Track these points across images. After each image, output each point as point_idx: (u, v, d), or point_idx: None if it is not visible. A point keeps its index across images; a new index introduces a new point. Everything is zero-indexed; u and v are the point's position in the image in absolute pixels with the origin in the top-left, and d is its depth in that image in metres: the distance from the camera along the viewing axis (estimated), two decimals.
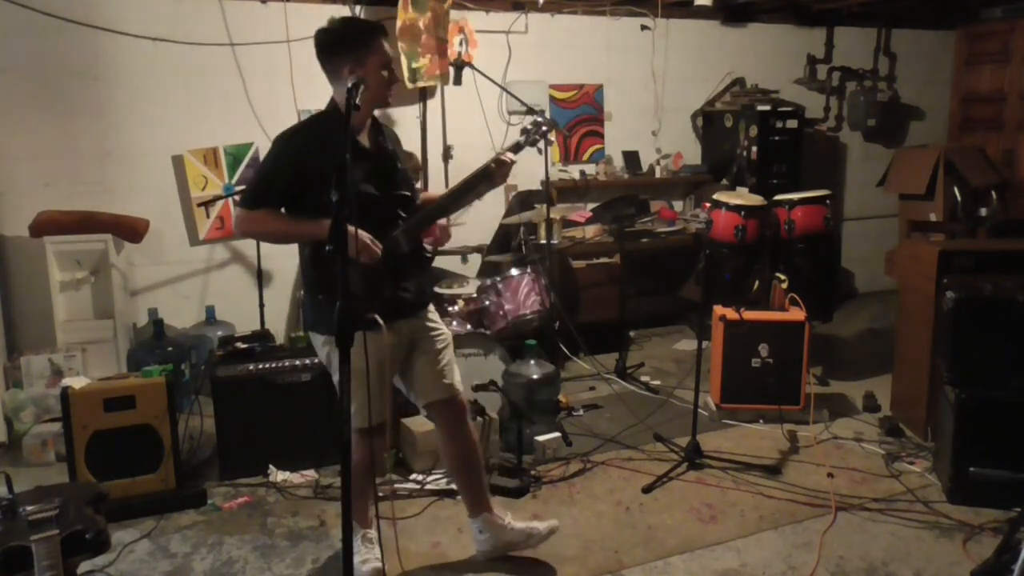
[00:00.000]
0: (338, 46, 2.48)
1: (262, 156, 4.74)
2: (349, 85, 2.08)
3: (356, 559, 2.66)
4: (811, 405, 3.94)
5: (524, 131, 2.73)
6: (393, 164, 2.64)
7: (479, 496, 2.81)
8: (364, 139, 2.57)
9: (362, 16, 4.88)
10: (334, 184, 1.92)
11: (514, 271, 4.29)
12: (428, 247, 2.66)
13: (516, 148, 2.67)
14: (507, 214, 5.28)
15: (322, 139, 2.44)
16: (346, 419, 1.95)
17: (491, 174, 2.60)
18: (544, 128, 2.73)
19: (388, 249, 2.50)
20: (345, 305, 1.88)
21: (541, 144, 2.85)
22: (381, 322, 2.45)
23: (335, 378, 2.57)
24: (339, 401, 1.91)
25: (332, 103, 2.56)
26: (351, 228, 2.37)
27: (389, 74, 2.49)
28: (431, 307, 2.76)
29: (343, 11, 4.84)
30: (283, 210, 2.49)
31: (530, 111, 4.39)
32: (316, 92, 4.86)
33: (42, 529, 2.14)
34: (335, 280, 2.37)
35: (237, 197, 4.69)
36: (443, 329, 2.76)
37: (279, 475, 3.48)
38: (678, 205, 6.12)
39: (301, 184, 2.42)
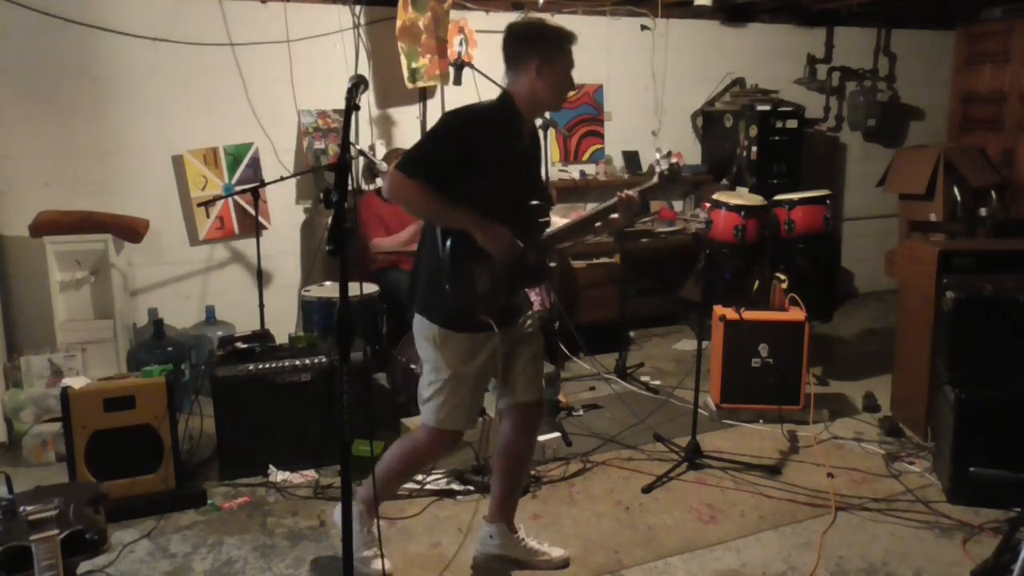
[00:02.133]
0: (534, 40, 2.47)
1: (262, 157, 4.80)
2: (349, 84, 2.04)
3: (363, 552, 2.64)
4: (811, 405, 3.94)
5: (660, 175, 2.70)
6: (539, 171, 2.63)
7: (510, 506, 2.80)
8: (527, 137, 2.55)
9: (362, 16, 4.89)
10: (334, 184, 1.91)
11: None
12: (552, 263, 2.65)
13: (646, 191, 2.65)
14: None
15: (487, 125, 2.42)
16: (346, 418, 1.95)
17: (614, 209, 2.57)
18: (679, 170, 2.71)
19: (525, 253, 2.47)
20: (345, 307, 1.87)
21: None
22: (495, 327, 2.45)
23: (423, 376, 2.58)
24: (339, 402, 1.90)
25: (505, 95, 2.49)
26: (490, 222, 2.36)
27: (568, 80, 2.50)
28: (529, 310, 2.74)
29: (343, 11, 4.84)
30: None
31: (667, 156, 4.32)
32: (316, 92, 4.93)
33: (42, 529, 2.14)
34: (469, 276, 2.39)
35: (238, 197, 4.71)
36: (538, 332, 2.72)
37: (279, 475, 3.48)
38: (678, 205, 6.12)
39: (463, 165, 2.36)
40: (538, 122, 2.82)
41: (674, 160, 2.70)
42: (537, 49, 2.44)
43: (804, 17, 6.28)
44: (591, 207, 2.67)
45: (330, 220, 1.88)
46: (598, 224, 2.63)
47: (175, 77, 4.56)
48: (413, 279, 2.59)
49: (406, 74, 4.82)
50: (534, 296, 4.25)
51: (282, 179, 4.57)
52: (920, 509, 3.18)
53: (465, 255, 2.40)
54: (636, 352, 5.28)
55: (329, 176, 4.69)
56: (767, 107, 5.70)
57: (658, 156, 2.72)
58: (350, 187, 4.18)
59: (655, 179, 2.65)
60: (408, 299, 2.61)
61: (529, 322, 2.69)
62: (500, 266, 2.43)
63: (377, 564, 2.65)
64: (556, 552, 2.82)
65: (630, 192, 2.56)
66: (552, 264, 2.67)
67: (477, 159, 2.36)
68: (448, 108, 5.20)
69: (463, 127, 2.41)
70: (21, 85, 4.25)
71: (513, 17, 5.36)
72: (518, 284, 2.57)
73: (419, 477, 3.39)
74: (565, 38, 2.49)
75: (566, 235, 2.63)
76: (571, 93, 2.65)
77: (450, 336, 2.49)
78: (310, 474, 3.50)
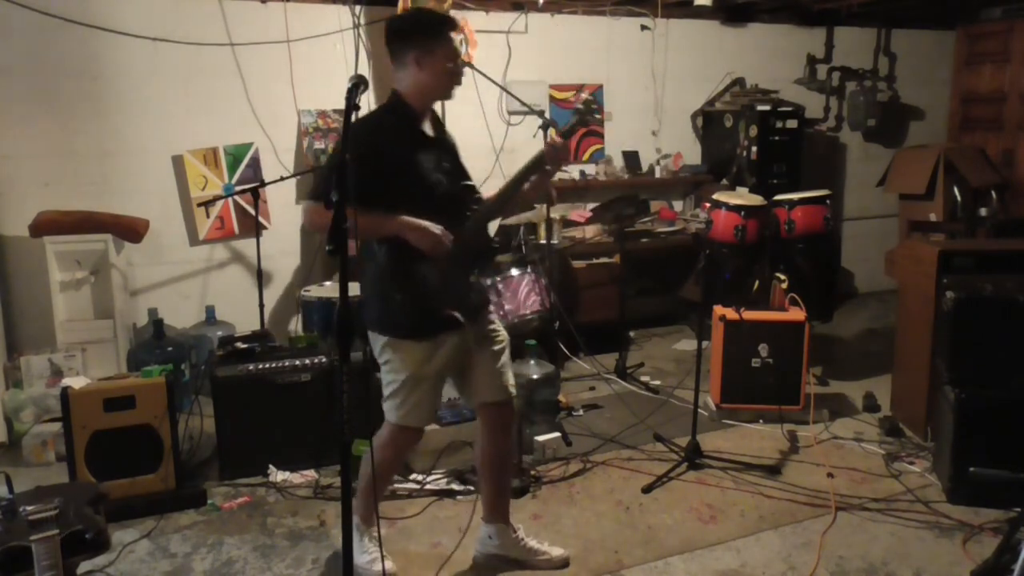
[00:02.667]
0: (408, 34, 2.44)
1: (262, 157, 4.80)
2: (349, 85, 2.05)
3: (366, 558, 2.66)
4: (811, 405, 3.94)
5: (577, 111, 2.66)
6: (456, 155, 2.60)
7: (502, 504, 2.81)
8: (428, 130, 2.53)
9: (362, 16, 4.89)
10: (334, 184, 1.90)
11: (514, 271, 4.28)
12: (496, 239, 2.61)
13: (568, 132, 2.62)
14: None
15: (392, 132, 2.42)
16: (346, 418, 1.95)
17: (542, 160, 2.53)
18: (593, 109, 2.65)
19: (461, 241, 2.44)
20: (345, 307, 1.86)
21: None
22: (462, 319, 2.45)
23: (383, 377, 2.57)
24: (339, 402, 1.90)
25: (395, 94, 2.49)
26: (415, 220, 2.34)
27: (454, 67, 2.44)
28: (490, 307, 2.73)
29: (343, 11, 4.84)
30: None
31: (532, 111, 4.38)
32: (316, 92, 4.93)
33: (42, 529, 2.14)
34: (416, 278, 2.37)
35: (238, 197, 4.71)
36: (502, 330, 2.72)
37: (279, 475, 3.48)
38: (678, 205, 6.12)
39: (369, 180, 2.35)
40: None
41: (585, 95, 2.65)
42: (413, 41, 2.42)
43: (804, 17, 6.28)
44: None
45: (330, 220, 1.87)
46: (528, 184, 2.57)
47: (175, 77, 4.56)
48: (364, 299, 2.57)
49: None
50: (534, 296, 4.24)
51: (282, 179, 4.57)
52: (920, 509, 3.18)
53: (404, 260, 2.40)
54: (636, 352, 5.28)
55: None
56: (767, 107, 5.70)
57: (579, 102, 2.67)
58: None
59: (573, 118, 2.63)
60: (364, 318, 2.59)
61: (492, 324, 2.69)
62: (442, 259, 2.41)
63: (379, 566, 2.65)
64: (556, 551, 2.82)
65: (554, 138, 2.53)
66: (496, 243, 2.63)
67: (382, 166, 2.35)
68: (448, 108, 5.24)
69: (361, 140, 2.39)
70: (21, 85, 4.25)
71: (513, 17, 5.36)
72: (468, 271, 2.55)
73: (419, 477, 3.40)
74: (440, 24, 2.44)
75: (499, 205, 2.58)
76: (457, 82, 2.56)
77: (403, 343, 2.49)
78: (310, 474, 3.50)
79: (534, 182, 2.59)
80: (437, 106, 2.65)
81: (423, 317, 2.46)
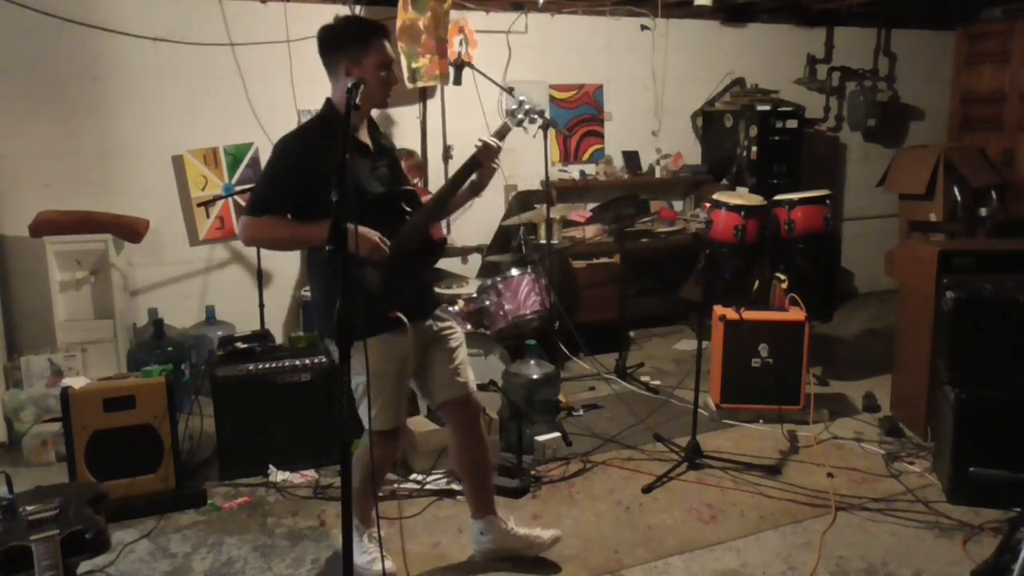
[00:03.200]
0: (337, 44, 2.46)
1: (262, 157, 4.79)
2: (349, 85, 2.08)
3: (365, 558, 2.66)
4: (811, 405, 3.94)
5: (509, 112, 2.66)
6: (395, 160, 2.64)
7: (485, 498, 2.81)
8: (364, 137, 2.57)
9: (362, 16, 4.88)
10: (334, 184, 1.91)
11: (514, 271, 4.29)
12: (438, 239, 2.62)
13: (501, 133, 2.59)
14: (507, 214, 5.28)
15: (321, 141, 2.42)
16: (346, 420, 1.96)
17: (477, 160, 2.54)
18: (529, 108, 2.63)
19: (399, 246, 2.47)
20: (345, 307, 1.87)
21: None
22: (406, 320, 2.45)
23: (355, 384, 2.55)
24: (339, 402, 1.90)
25: (328, 104, 2.54)
26: (352, 225, 2.34)
27: (387, 75, 2.47)
28: (443, 305, 2.75)
29: (343, 11, 4.84)
30: (289, 216, 2.46)
31: (509, 92, 4.28)
32: (316, 92, 4.86)
33: (42, 529, 2.14)
34: (357, 283, 2.36)
35: (238, 197, 4.71)
36: (456, 328, 2.73)
37: (279, 475, 3.48)
38: (678, 205, 6.12)
39: (304, 188, 2.40)
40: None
41: (522, 97, 2.66)
42: (342, 51, 2.44)
43: (804, 17, 6.28)
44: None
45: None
46: (463, 187, 2.58)
47: (175, 77, 4.56)
48: (317, 313, 2.60)
49: (406, 74, 4.82)
50: (534, 296, 4.24)
51: None
52: (920, 509, 3.17)
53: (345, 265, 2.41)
54: (636, 352, 5.28)
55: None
56: (767, 107, 5.70)
57: (511, 102, 2.69)
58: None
59: (507, 118, 2.63)
60: (319, 330, 2.59)
61: (446, 323, 2.70)
62: (381, 263, 2.42)
63: (378, 566, 2.65)
64: (547, 533, 2.84)
65: (484, 139, 2.54)
66: (445, 239, 2.64)
67: (315, 174, 2.36)
68: (448, 108, 5.25)
69: (289, 153, 2.44)
70: (21, 85, 4.25)
71: (513, 17, 5.36)
72: (411, 272, 2.55)
73: (419, 477, 3.40)
74: (370, 32, 2.44)
75: (437, 208, 2.59)
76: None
77: (356, 344, 2.50)
78: (310, 474, 3.50)
79: (473, 183, 2.60)
80: (436, 105, 2.66)
81: (369, 318, 2.45)
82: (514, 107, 2.65)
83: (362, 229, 2.37)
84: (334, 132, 2.41)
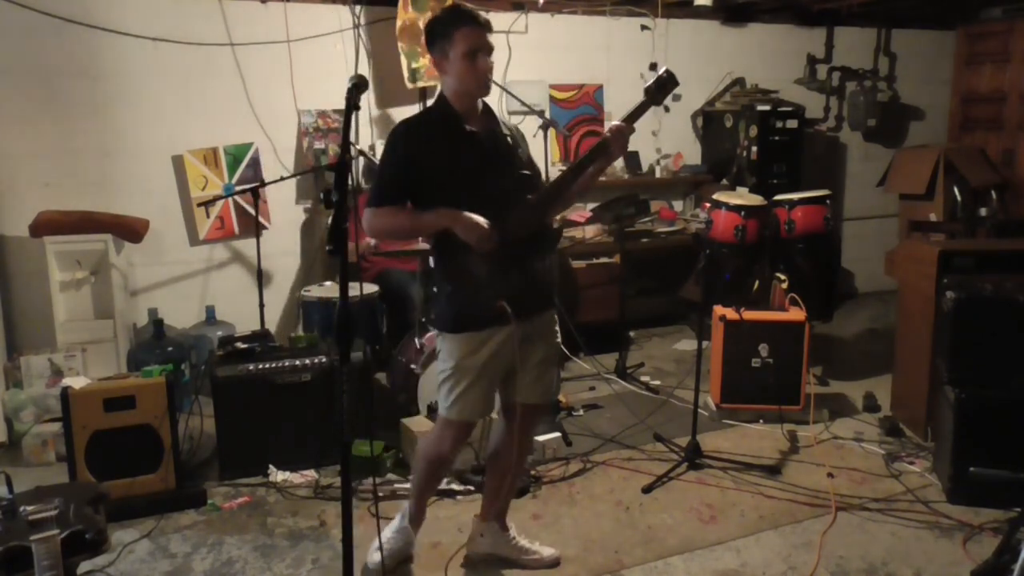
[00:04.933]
0: (430, 41, 2.45)
1: (262, 157, 4.80)
2: (349, 85, 2.06)
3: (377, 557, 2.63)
4: (811, 405, 3.94)
5: (646, 91, 2.50)
6: (507, 146, 2.55)
7: (503, 505, 2.83)
8: (475, 126, 2.49)
9: (362, 16, 4.89)
10: (334, 184, 1.91)
11: None
12: (553, 228, 2.56)
13: (633, 116, 2.50)
14: None
15: (430, 131, 2.43)
16: (346, 418, 1.95)
17: (607, 145, 2.46)
18: (667, 80, 2.48)
19: (508, 234, 2.40)
20: (345, 305, 1.86)
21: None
22: (509, 311, 2.40)
23: (440, 372, 2.55)
24: (339, 402, 1.90)
25: (440, 96, 2.51)
26: (459, 213, 2.33)
27: (476, 62, 2.39)
28: (553, 309, 2.70)
29: (343, 11, 4.84)
30: (409, 205, 2.44)
31: (532, 111, 4.38)
32: (316, 92, 4.93)
33: (42, 529, 2.14)
34: (464, 271, 2.40)
35: (238, 197, 4.71)
36: (558, 331, 2.71)
37: (279, 475, 3.48)
38: (678, 205, 6.12)
39: (415, 177, 2.39)
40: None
41: (661, 72, 2.51)
42: (432, 48, 2.45)
43: (804, 17, 6.28)
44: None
45: (330, 220, 1.88)
46: (591, 168, 2.53)
47: (175, 77, 4.56)
48: (430, 303, 2.61)
49: (406, 74, 4.82)
50: None
51: (282, 179, 4.57)
52: (920, 509, 3.18)
53: (452, 253, 2.42)
54: (636, 352, 5.28)
55: (329, 176, 4.69)
56: (767, 107, 5.70)
57: (651, 79, 2.53)
58: (350, 187, 4.23)
59: (644, 97, 2.50)
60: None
61: (555, 328, 2.69)
62: (490, 252, 2.38)
63: (375, 556, 2.65)
64: (547, 551, 2.82)
65: (618, 123, 2.49)
66: (557, 229, 2.61)
67: (428, 164, 2.39)
68: None
69: (402, 143, 2.44)
70: (21, 85, 4.25)
71: (513, 17, 5.36)
72: (522, 261, 2.47)
73: None
74: (448, 24, 2.40)
75: (553, 195, 2.53)
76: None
77: (450, 335, 2.51)
78: (310, 474, 3.50)
79: (597, 167, 2.55)
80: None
81: (468, 310, 2.45)
82: (652, 85, 2.49)
83: (468, 215, 2.35)
84: (443, 124, 2.44)
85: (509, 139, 2.57)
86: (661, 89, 2.49)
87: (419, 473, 2.72)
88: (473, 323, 2.46)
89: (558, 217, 4.33)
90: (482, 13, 2.42)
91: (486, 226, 2.35)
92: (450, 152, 2.42)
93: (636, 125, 2.54)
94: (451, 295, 2.46)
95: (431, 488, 2.79)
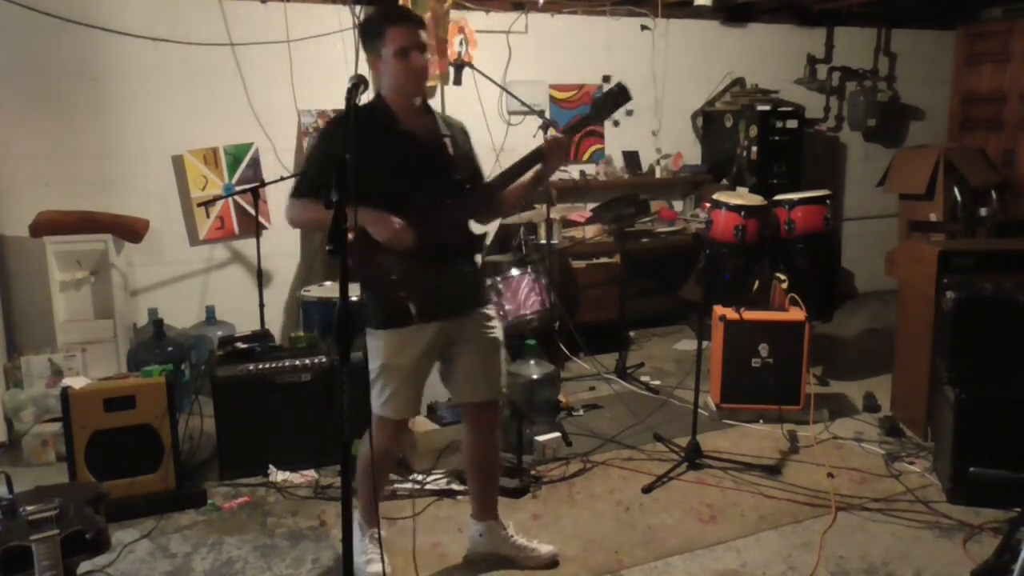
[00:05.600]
0: (363, 39, 2.51)
1: (262, 157, 4.80)
2: (349, 85, 2.10)
3: (361, 558, 2.66)
4: (811, 405, 3.94)
5: (594, 103, 2.57)
6: (443, 146, 2.56)
7: (488, 502, 2.83)
8: (412, 125, 2.51)
9: (362, 16, 4.88)
10: (333, 183, 1.92)
11: (514, 271, 4.28)
12: (480, 229, 2.60)
13: (575, 127, 2.54)
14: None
15: (362, 128, 2.40)
16: (346, 418, 1.95)
17: (541, 154, 2.49)
18: (618, 93, 2.47)
19: (426, 233, 2.41)
20: (345, 305, 1.87)
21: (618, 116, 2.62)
22: (414, 312, 2.44)
23: (371, 371, 2.58)
24: (339, 402, 1.90)
25: (377, 94, 2.57)
26: (373, 212, 2.35)
27: (408, 61, 2.41)
28: (489, 305, 2.73)
29: (343, 11, 4.84)
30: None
31: (532, 111, 4.39)
32: (316, 92, 4.92)
33: (42, 529, 2.14)
34: (379, 269, 2.41)
35: (238, 197, 4.71)
36: (496, 331, 2.69)
37: (279, 475, 3.48)
38: (678, 205, 6.12)
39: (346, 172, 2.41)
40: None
41: (612, 86, 2.51)
42: (366, 47, 2.49)
43: (804, 17, 6.28)
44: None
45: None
46: (526, 177, 2.53)
47: (175, 77, 4.56)
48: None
49: None
50: (534, 296, 4.24)
51: (282, 179, 4.56)
52: (920, 509, 3.17)
53: (372, 250, 2.41)
54: (636, 352, 5.28)
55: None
56: (767, 107, 5.70)
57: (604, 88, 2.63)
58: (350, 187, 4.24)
59: (588, 109, 2.55)
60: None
61: (488, 325, 2.66)
62: (407, 252, 2.39)
63: (371, 568, 2.65)
64: (545, 548, 2.83)
65: (557, 134, 2.52)
66: (484, 233, 2.66)
67: (355, 161, 2.36)
68: (448, 108, 5.25)
69: (326, 138, 2.49)
70: (21, 85, 4.25)
71: (513, 17, 5.37)
72: (441, 262, 2.48)
73: (419, 477, 3.40)
74: (381, 23, 2.43)
75: (482, 196, 2.56)
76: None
77: (379, 332, 2.54)
78: (310, 474, 3.50)
79: (534, 176, 2.54)
80: (436, 105, 2.66)
81: (391, 307, 2.47)
82: (599, 97, 2.56)
83: (381, 214, 2.36)
84: (376, 121, 2.46)
85: (448, 140, 2.58)
86: (611, 102, 2.51)
87: (362, 474, 2.64)
88: (398, 320, 2.47)
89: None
90: (414, 12, 2.45)
91: (398, 226, 2.36)
92: (379, 150, 2.43)
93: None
94: (372, 293, 2.50)
95: (381, 484, 2.76)
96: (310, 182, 2.45)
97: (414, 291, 2.44)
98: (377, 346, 2.54)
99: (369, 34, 2.47)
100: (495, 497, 2.86)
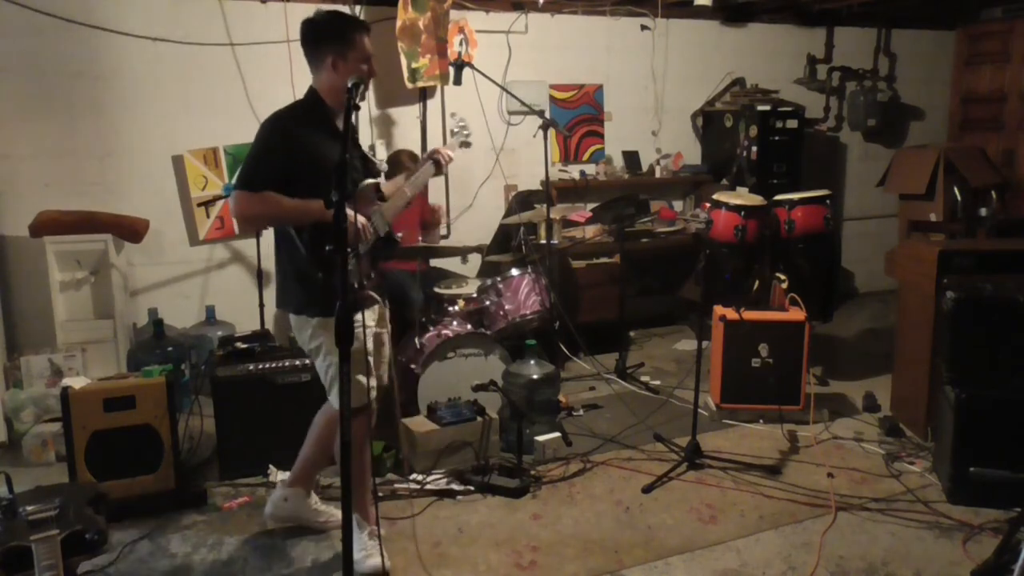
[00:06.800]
0: (324, 38, 2.57)
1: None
2: (349, 85, 2.15)
3: (360, 554, 2.67)
4: (811, 405, 3.94)
5: (452, 132, 3.04)
6: (364, 152, 2.81)
7: (308, 474, 3.00)
8: (338, 123, 2.67)
9: (362, 15, 4.89)
10: (334, 183, 1.95)
11: (514, 271, 4.29)
12: (398, 234, 2.81)
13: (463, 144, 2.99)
14: (507, 214, 5.28)
15: (306, 126, 2.56)
16: (346, 417, 1.96)
17: (440, 167, 2.88)
18: (460, 131, 3.07)
19: (379, 230, 2.66)
20: (345, 303, 1.87)
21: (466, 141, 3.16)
22: (378, 298, 2.64)
23: (319, 364, 2.71)
24: (338, 400, 1.91)
25: (312, 91, 2.65)
26: (352, 212, 2.48)
27: (367, 68, 2.60)
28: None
29: (342, 11, 4.84)
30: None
31: (532, 111, 4.40)
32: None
33: (42, 529, 2.14)
34: (331, 260, 2.50)
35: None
36: (388, 326, 2.89)
37: (279, 475, 3.46)
38: (678, 205, 6.12)
39: (291, 166, 2.50)
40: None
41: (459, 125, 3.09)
42: (330, 46, 2.56)
43: (804, 17, 6.28)
44: (411, 179, 2.88)
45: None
46: (421, 185, 2.87)
47: (175, 77, 4.56)
48: (282, 287, 2.71)
49: (406, 74, 4.82)
50: (534, 296, 4.25)
51: None
52: (920, 509, 3.17)
53: (325, 242, 2.52)
54: (636, 352, 5.28)
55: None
56: (767, 107, 5.70)
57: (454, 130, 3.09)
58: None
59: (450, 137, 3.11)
60: (281, 306, 2.74)
61: (384, 319, 2.84)
62: (358, 246, 2.56)
63: (370, 561, 2.67)
64: (336, 512, 2.95)
65: (448, 151, 2.91)
66: (399, 235, 2.88)
67: (301, 156, 2.51)
68: (448, 108, 5.26)
69: (279, 132, 2.54)
70: (21, 85, 4.25)
71: (513, 17, 5.36)
72: (376, 260, 2.72)
73: (419, 477, 3.40)
74: (355, 29, 2.58)
75: (400, 204, 2.80)
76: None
77: (330, 320, 2.54)
78: None
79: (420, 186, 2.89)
80: (437, 105, 2.80)
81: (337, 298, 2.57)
82: (456, 130, 3.04)
83: (349, 211, 2.46)
84: (316, 118, 2.58)
85: (359, 145, 2.83)
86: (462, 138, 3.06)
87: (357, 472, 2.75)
88: (353, 307, 2.56)
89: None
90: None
91: (361, 223, 2.54)
92: (321, 146, 2.55)
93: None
94: (327, 283, 2.55)
95: (361, 483, 2.79)
96: (262, 175, 2.51)
97: (368, 279, 2.64)
98: (330, 338, 2.57)
99: (337, 36, 2.55)
100: (316, 472, 3.03)
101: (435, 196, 5.12)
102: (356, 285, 2.58)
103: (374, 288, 2.72)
